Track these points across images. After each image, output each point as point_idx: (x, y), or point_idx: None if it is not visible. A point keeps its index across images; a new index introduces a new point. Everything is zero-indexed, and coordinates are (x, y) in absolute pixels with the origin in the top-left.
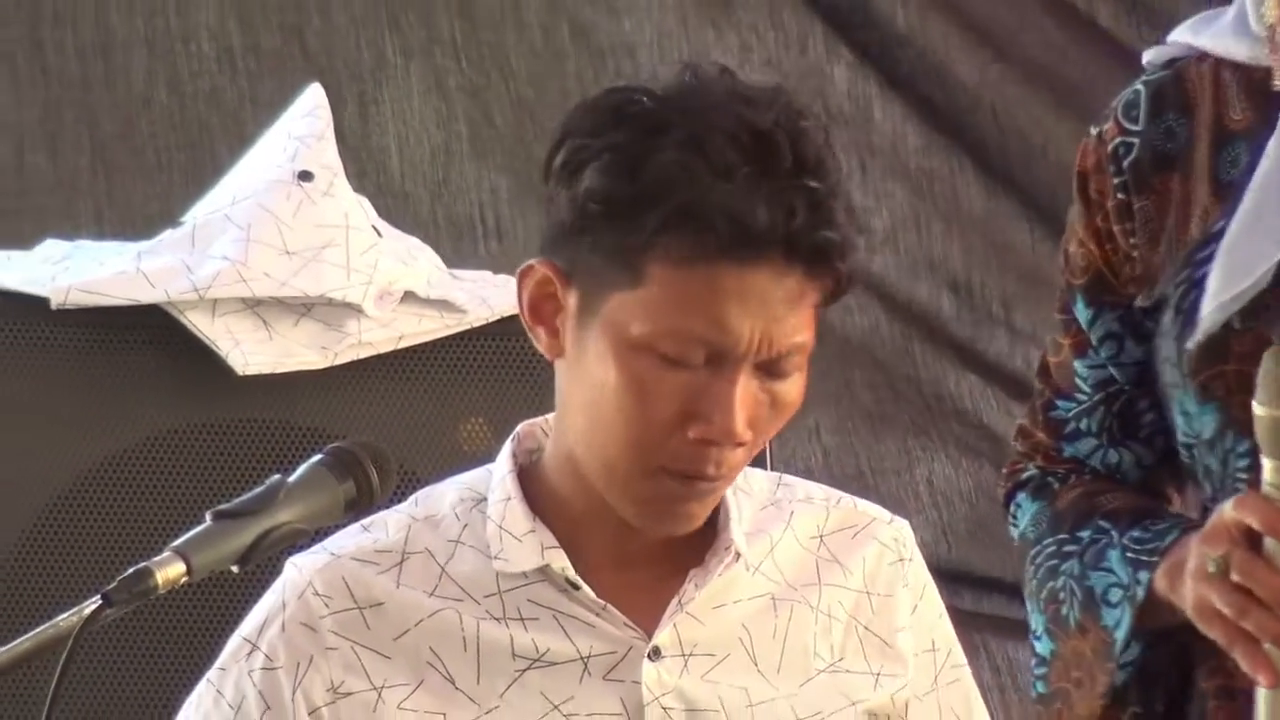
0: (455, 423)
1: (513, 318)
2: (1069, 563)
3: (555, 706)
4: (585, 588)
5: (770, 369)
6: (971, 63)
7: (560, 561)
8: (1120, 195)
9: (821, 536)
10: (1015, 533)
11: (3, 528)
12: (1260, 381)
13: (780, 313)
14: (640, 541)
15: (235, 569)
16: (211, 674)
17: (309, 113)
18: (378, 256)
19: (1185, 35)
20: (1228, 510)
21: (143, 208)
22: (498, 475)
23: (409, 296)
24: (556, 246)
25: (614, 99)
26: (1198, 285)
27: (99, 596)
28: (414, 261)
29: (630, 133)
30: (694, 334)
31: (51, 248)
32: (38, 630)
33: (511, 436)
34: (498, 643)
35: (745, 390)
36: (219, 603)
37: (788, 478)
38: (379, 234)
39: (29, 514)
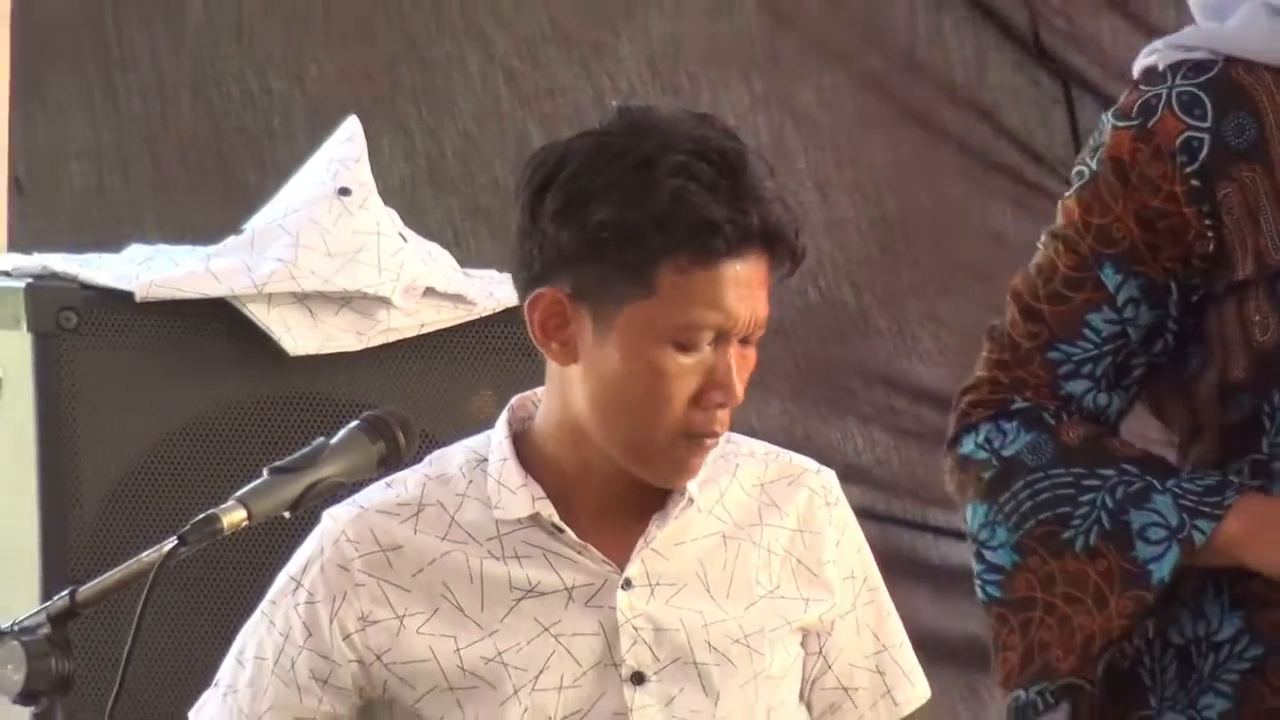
0: (467, 394)
1: (515, 308)
2: (1093, 495)
3: (545, 629)
4: (568, 531)
5: (747, 340)
6: None
7: (547, 510)
8: (1195, 182)
9: (762, 485)
10: (993, 456)
11: (98, 480)
12: None
13: (759, 293)
14: (612, 493)
15: (287, 514)
16: (264, 606)
17: (347, 139)
18: (404, 258)
19: (1204, 41)
20: None
21: (190, 218)
22: (496, 439)
23: (429, 291)
24: (559, 274)
25: (586, 145)
26: None
27: (175, 537)
28: (433, 262)
29: (624, 169)
30: (706, 324)
31: (135, 251)
32: (126, 564)
33: (507, 407)
34: (498, 577)
35: (737, 360)
36: (270, 547)
37: (734, 436)
38: (404, 240)
39: (120, 468)
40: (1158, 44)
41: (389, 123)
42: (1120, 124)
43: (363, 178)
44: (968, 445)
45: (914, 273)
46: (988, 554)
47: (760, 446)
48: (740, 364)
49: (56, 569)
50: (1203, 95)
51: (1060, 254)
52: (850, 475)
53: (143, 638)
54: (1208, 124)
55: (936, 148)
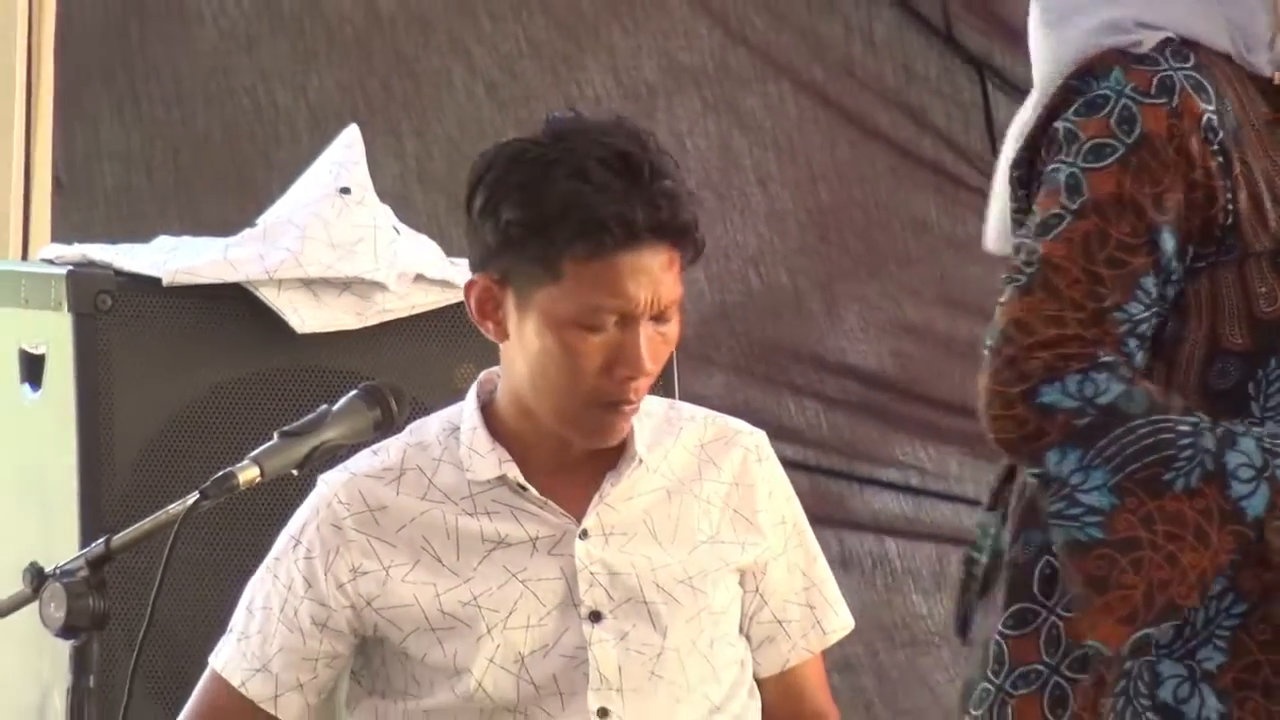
0: (451, 367)
1: None
2: (1193, 439)
3: (513, 575)
4: (531, 489)
5: (659, 318)
6: None
7: (513, 472)
8: (1220, 159)
9: (702, 445)
10: (1086, 404)
11: (129, 442)
12: None
13: (661, 278)
14: (570, 455)
15: (295, 472)
16: (268, 562)
17: (348, 145)
18: (397, 249)
19: (1167, 21)
20: None
21: (209, 213)
22: (467, 410)
23: (419, 277)
24: (488, 263)
25: (508, 150)
26: None
27: (197, 492)
28: (422, 252)
29: (528, 173)
30: (605, 307)
31: (162, 242)
32: (154, 516)
33: (476, 382)
34: (471, 531)
35: (646, 336)
36: (273, 509)
37: (676, 403)
38: (397, 232)
39: (148, 432)
40: (1123, 20)
41: (383, 129)
42: (1148, 101)
43: (361, 179)
44: (1050, 395)
45: (844, 259)
46: (1082, 496)
47: (700, 412)
48: (655, 339)
49: (93, 520)
50: (1200, 79)
51: (1112, 220)
52: (784, 436)
53: (169, 581)
54: (1213, 107)
55: (869, 146)
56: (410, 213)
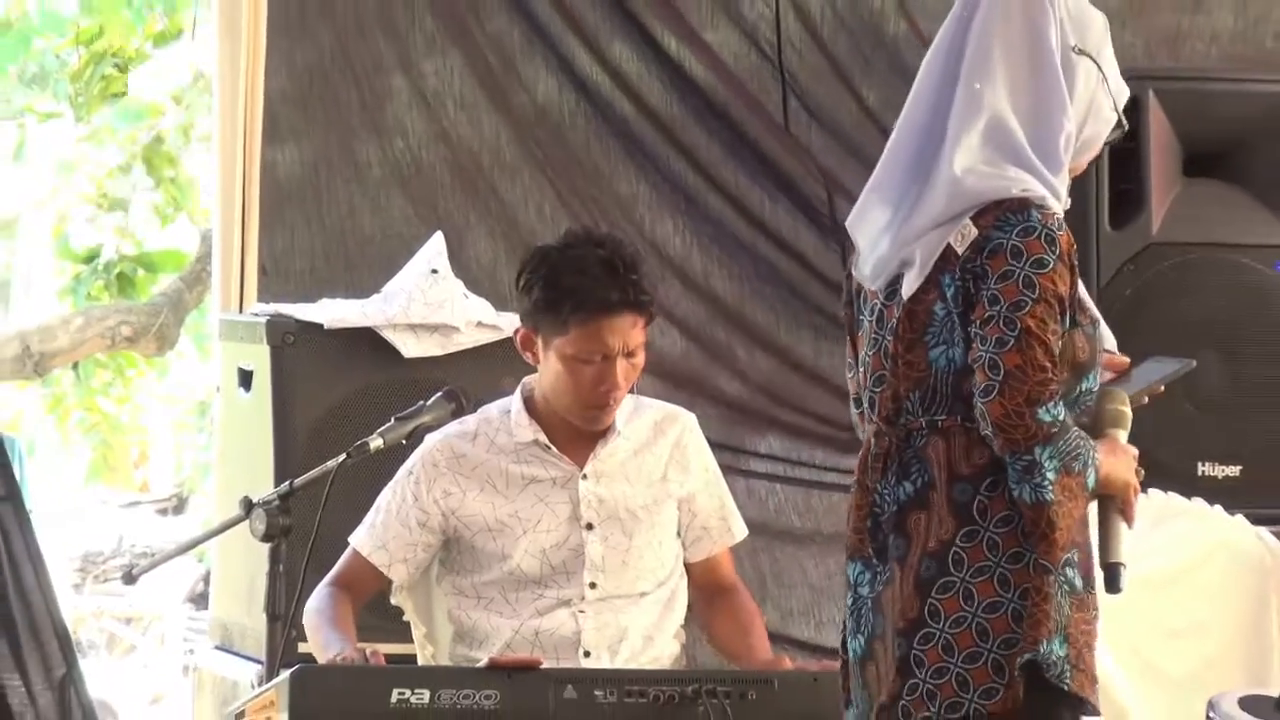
0: (499, 380)
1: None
2: (1087, 443)
3: (540, 499)
4: (553, 448)
5: (629, 355)
6: None
7: (541, 437)
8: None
9: (656, 422)
10: (1055, 420)
11: (303, 426)
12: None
13: (630, 333)
14: (576, 429)
15: (404, 442)
16: (391, 484)
17: (436, 246)
18: (466, 307)
19: (1027, 184)
20: (1127, 451)
21: (351, 286)
22: (514, 401)
23: (480, 324)
24: (525, 319)
25: (539, 252)
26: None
27: (344, 453)
28: (481, 308)
29: (550, 267)
30: (594, 351)
31: (325, 303)
32: (319, 468)
33: (520, 384)
34: (514, 473)
35: (620, 368)
36: (391, 464)
37: (641, 398)
38: (466, 297)
39: (316, 417)
40: (1025, 178)
41: (471, 234)
42: (1060, 231)
43: (443, 265)
44: (1044, 414)
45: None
46: (1049, 474)
47: (655, 402)
48: (627, 368)
49: (281, 471)
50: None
51: (1051, 312)
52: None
53: (327, 507)
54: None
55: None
56: (481, 279)
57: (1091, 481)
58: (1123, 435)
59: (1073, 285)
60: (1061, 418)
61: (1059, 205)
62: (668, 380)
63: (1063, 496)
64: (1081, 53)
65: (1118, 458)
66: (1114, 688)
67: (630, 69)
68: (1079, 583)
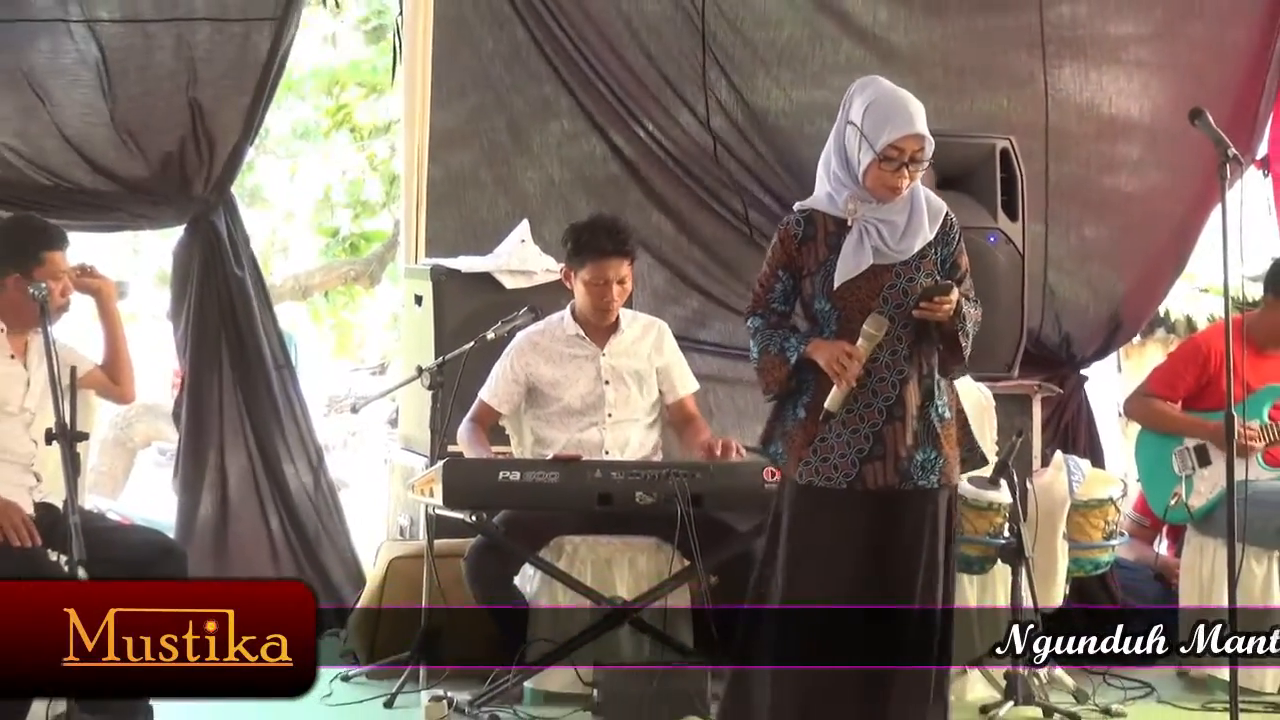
0: (558, 300)
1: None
2: (777, 336)
3: (579, 367)
4: (587, 338)
5: (620, 283)
6: None
7: (579, 331)
8: (798, 242)
9: (643, 325)
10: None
11: (453, 324)
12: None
13: (621, 268)
14: (598, 327)
15: (507, 335)
16: (497, 363)
17: (523, 229)
18: (539, 260)
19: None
20: (840, 345)
21: (480, 246)
22: (566, 312)
23: (547, 270)
24: (566, 261)
25: (572, 227)
26: (828, 269)
27: (472, 342)
28: (546, 261)
29: (575, 235)
30: (599, 278)
31: (463, 258)
32: (458, 349)
33: (569, 303)
34: (565, 352)
35: (614, 290)
36: (496, 350)
37: (637, 312)
38: (539, 254)
39: (459, 319)
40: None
41: (551, 212)
42: (782, 225)
43: (527, 235)
44: (753, 321)
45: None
46: (755, 349)
47: (642, 314)
48: (620, 289)
49: (438, 352)
50: (802, 219)
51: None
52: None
53: (464, 373)
54: (802, 228)
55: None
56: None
57: (793, 358)
58: (862, 341)
59: (788, 254)
60: (760, 323)
61: (818, 205)
62: (654, 298)
63: (765, 358)
64: (850, 123)
65: (823, 349)
66: None
67: None
68: (801, 414)
